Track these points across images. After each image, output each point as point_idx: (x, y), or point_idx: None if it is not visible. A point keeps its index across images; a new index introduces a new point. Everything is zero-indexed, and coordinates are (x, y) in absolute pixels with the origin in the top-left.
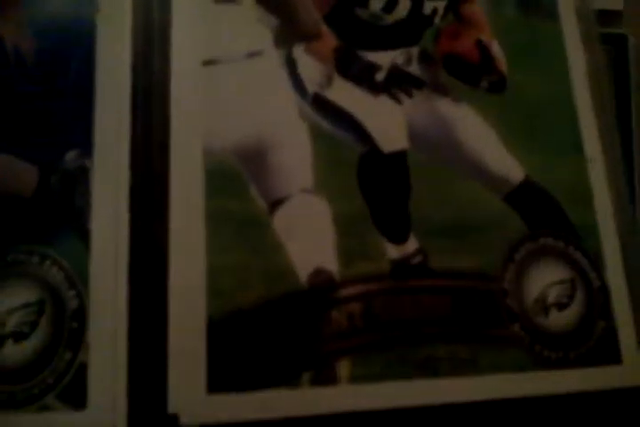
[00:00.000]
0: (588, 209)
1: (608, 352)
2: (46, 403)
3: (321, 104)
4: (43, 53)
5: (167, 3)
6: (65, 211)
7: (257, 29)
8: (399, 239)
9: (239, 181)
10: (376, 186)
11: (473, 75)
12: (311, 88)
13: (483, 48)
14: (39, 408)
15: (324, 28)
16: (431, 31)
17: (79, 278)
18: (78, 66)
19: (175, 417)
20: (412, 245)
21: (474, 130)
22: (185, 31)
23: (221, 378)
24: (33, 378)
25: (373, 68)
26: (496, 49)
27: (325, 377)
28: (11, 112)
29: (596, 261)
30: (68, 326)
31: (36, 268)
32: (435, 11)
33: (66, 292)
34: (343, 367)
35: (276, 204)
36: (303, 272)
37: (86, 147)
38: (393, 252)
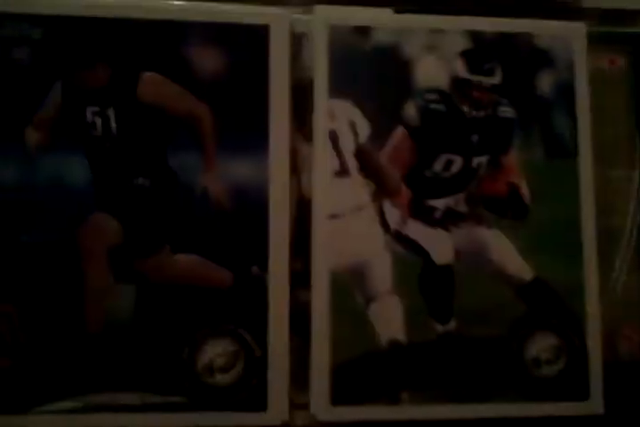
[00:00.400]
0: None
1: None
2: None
3: (398, 236)
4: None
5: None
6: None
7: (360, 191)
8: (444, 321)
9: (349, 285)
10: (431, 287)
11: (502, 209)
12: (392, 226)
13: (513, 190)
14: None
15: (403, 186)
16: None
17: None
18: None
19: None
20: (452, 324)
21: (499, 246)
22: (320, 196)
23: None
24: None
25: (433, 209)
26: (524, 189)
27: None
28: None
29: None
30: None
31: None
32: (479, 165)
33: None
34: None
35: (369, 300)
36: (384, 339)
37: (263, 264)
38: (439, 328)
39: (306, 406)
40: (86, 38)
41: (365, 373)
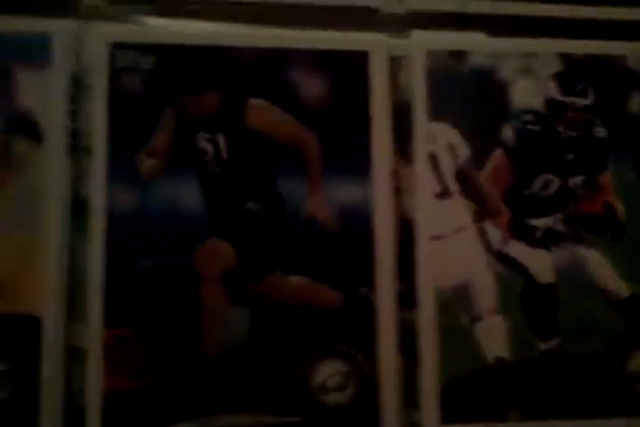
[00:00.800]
0: None
1: None
2: None
3: (500, 256)
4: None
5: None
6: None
7: (462, 212)
8: (546, 339)
9: (453, 305)
10: (533, 306)
11: (601, 229)
12: (494, 247)
13: (610, 209)
14: None
15: (503, 206)
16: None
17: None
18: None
19: None
20: (554, 341)
21: (598, 265)
22: (423, 218)
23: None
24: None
25: (534, 229)
26: (620, 208)
27: None
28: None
29: None
30: None
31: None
32: (576, 185)
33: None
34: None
35: (473, 319)
36: (490, 356)
37: (371, 285)
38: (542, 345)
39: (417, 424)
40: (196, 66)
41: (473, 391)
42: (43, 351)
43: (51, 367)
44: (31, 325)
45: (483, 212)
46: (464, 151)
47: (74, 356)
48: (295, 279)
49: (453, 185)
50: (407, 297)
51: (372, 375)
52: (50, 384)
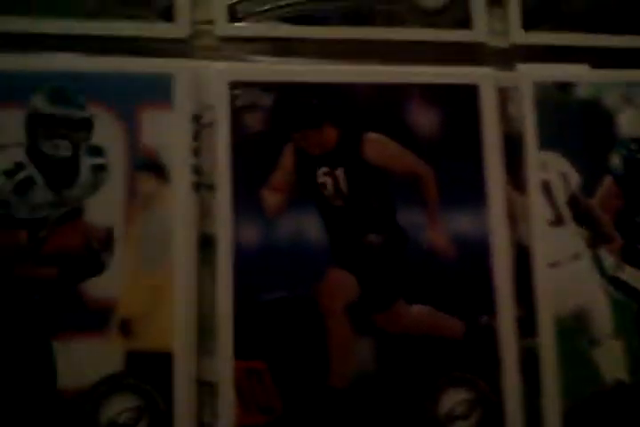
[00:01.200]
0: None
1: None
2: None
3: (615, 282)
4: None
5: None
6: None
7: (576, 239)
8: None
9: (572, 330)
10: None
11: None
12: (609, 272)
13: None
14: None
15: (615, 232)
16: None
17: None
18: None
19: None
20: None
21: None
22: (539, 246)
23: None
24: None
25: None
26: None
27: None
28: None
29: None
30: None
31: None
32: None
33: None
34: None
35: (592, 343)
36: (610, 380)
37: (491, 313)
38: None
39: None
40: (314, 102)
41: (594, 415)
42: (175, 386)
43: (183, 402)
44: (163, 361)
45: (596, 238)
46: (575, 179)
47: (204, 390)
48: (417, 309)
49: (566, 212)
50: (526, 324)
51: (497, 402)
52: (183, 419)
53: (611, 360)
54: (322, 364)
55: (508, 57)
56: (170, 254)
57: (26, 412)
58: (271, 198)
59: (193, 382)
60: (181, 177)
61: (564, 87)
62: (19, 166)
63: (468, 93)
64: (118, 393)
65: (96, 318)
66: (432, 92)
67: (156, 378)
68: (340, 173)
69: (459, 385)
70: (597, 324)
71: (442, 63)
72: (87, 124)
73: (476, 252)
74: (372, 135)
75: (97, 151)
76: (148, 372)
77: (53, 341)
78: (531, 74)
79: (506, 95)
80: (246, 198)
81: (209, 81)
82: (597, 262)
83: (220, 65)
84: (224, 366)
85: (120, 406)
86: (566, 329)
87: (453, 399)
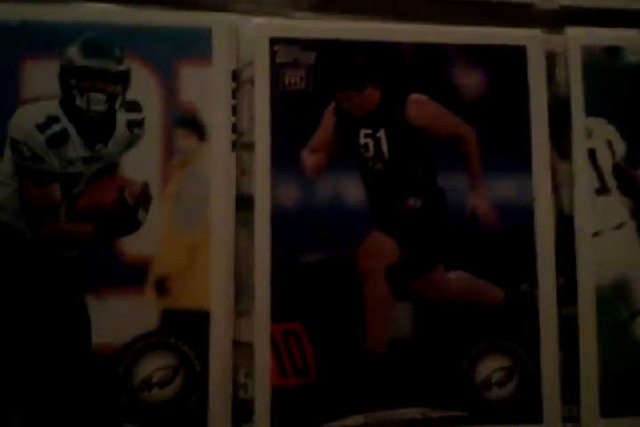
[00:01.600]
0: None
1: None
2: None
3: None
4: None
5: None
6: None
7: (620, 208)
8: None
9: (612, 300)
10: None
11: None
12: None
13: None
14: None
15: None
16: None
17: None
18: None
19: None
20: None
21: None
22: (583, 214)
23: None
24: None
25: None
26: None
27: None
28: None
29: None
30: None
31: None
32: None
33: None
34: None
35: (633, 314)
36: None
37: (532, 281)
38: None
39: (577, 420)
40: (356, 62)
41: (631, 385)
42: (210, 346)
43: (219, 362)
44: (199, 320)
45: None
46: (621, 147)
47: (239, 351)
48: (456, 275)
49: (611, 181)
50: (566, 293)
51: (534, 370)
52: (218, 378)
53: None
54: (359, 328)
55: (556, 19)
56: (207, 213)
57: (61, 369)
58: (311, 159)
59: (229, 343)
60: (220, 135)
61: (614, 52)
62: (52, 119)
63: (515, 55)
64: (153, 352)
65: (132, 276)
66: (478, 53)
67: (192, 337)
68: (381, 134)
69: (497, 352)
70: (638, 295)
71: (489, 24)
72: (123, 78)
73: (518, 219)
74: (416, 96)
75: (133, 106)
76: (184, 331)
77: (89, 298)
78: (579, 37)
79: (553, 59)
80: (285, 158)
81: (248, 37)
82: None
83: (261, 20)
84: (261, 327)
85: (154, 364)
86: (606, 299)
87: (491, 366)
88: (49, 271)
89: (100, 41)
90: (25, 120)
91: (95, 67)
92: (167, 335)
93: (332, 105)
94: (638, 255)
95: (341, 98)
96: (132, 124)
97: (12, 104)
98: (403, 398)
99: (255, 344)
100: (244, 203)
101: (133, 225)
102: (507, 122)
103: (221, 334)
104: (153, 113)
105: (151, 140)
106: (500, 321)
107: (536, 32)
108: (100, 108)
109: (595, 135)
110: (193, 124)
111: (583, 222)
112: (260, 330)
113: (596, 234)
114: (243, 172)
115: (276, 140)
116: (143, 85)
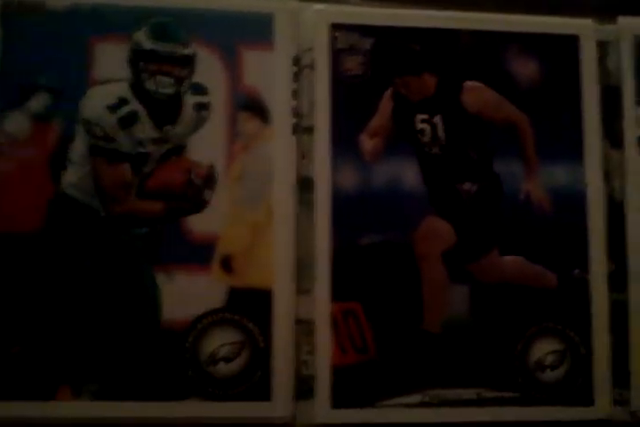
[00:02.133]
0: None
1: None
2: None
3: None
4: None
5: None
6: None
7: None
8: None
9: None
10: None
11: None
12: None
13: None
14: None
15: None
16: None
17: None
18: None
19: None
20: None
21: None
22: (635, 201)
23: None
24: None
25: None
26: None
27: None
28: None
29: None
30: None
31: None
32: None
33: None
34: None
35: None
36: None
37: (584, 267)
38: None
39: (627, 402)
40: (414, 48)
41: None
42: (274, 324)
43: (281, 339)
44: (263, 298)
45: None
46: None
47: (301, 329)
48: (510, 259)
49: None
50: (617, 279)
51: (586, 354)
52: (280, 355)
53: None
54: (416, 308)
55: (609, 9)
56: (270, 194)
57: (129, 343)
58: (369, 143)
59: (291, 321)
60: (282, 119)
61: None
62: (122, 101)
63: (568, 44)
64: (219, 328)
65: (199, 254)
66: (532, 42)
67: (256, 315)
68: (438, 120)
69: (549, 335)
70: None
71: (543, 13)
72: (190, 62)
73: (570, 205)
74: (472, 83)
75: (200, 89)
76: (249, 308)
77: (158, 274)
78: (631, 27)
79: (605, 48)
80: (344, 142)
81: (309, 22)
82: None
83: (321, 6)
84: (321, 306)
85: (221, 340)
86: None
87: (544, 349)
88: (121, 247)
89: (168, 25)
90: (96, 101)
91: (162, 50)
92: (233, 312)
93: (390, 90)
94: None
95: (400, 83)
96: (199, 107)
97: (82, 86)
98: (458, 377)
99: (316, 323)
100: (304, 185)
101: (200, 204)
102: (559, 110)
103: (284, 312)
104: (218, 96)
105: (216, 123)
106: (552, 305)
107: (588, 22)
108: (168, 90)
109: None
110: (256, 108)
111: (633, 209)
112: (321, 309)
113: None
114: (302, 155)
115: (336, 124)
116: (208, 69)
